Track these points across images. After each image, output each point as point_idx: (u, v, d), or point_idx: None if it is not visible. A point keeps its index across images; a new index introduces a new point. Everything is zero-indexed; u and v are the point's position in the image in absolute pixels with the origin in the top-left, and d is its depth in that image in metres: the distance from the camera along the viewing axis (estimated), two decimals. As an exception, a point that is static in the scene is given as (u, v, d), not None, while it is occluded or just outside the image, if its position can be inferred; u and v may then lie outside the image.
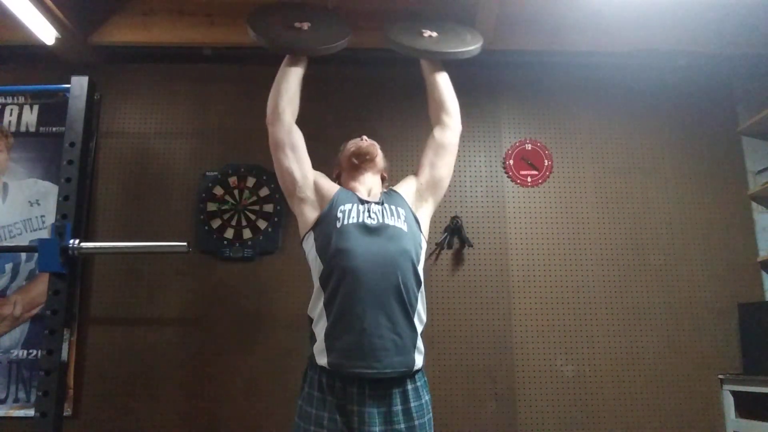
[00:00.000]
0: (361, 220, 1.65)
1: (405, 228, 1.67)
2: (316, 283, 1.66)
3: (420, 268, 1.68)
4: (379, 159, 1.90)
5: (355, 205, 1.70)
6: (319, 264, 1.65)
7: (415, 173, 1.91)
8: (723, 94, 3.28)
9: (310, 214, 1.74)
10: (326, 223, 1.67)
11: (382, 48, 3.08)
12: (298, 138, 1.81)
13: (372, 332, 1.53)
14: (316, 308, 1.63)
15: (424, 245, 1.75)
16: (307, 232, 1.74)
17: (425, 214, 1.84)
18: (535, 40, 3.04)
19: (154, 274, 2.94)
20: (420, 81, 3.25)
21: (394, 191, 1.85)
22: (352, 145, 1.89)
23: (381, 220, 1.66)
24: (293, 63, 1.91)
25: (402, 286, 1.58)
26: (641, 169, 3.16)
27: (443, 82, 2.02)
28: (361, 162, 1.84)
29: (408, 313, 1.59)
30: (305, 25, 2.04)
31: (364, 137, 1.92)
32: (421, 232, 1.77)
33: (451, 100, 1.98)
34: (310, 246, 1.71)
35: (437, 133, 1.93)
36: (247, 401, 2.80)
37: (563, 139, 3.19)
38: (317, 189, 1.77)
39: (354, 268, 1.57)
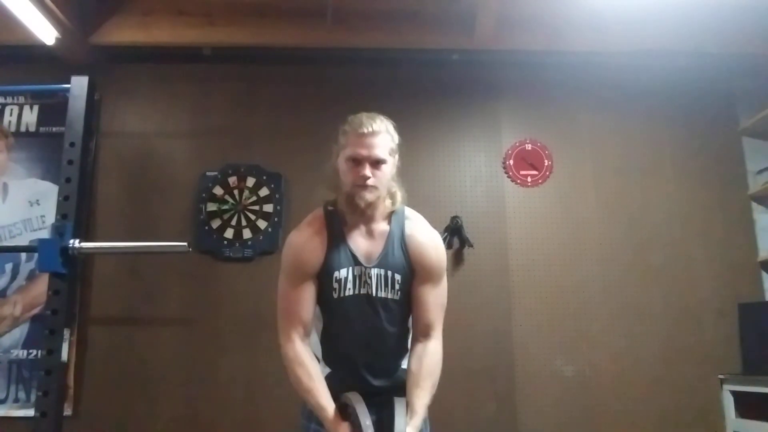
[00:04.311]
0: (355, 291, 1.55)
1: (397, 297, 1.57)
2: (318, 331, 1.64)
3: (409, 322, 1.65)
4: (384, 191, 1.58)
5: (350, 270, 1.55)
6: (319, 319, 1.62)
7: (426, 275, 1.59)
8: (723, 94, 3.27)
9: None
10: (324, 290, 1.57)
11: (382, 48, 3.10)
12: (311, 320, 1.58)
13: (369, 384, 1.56)
14: (317, 351, 1.63)
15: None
16: None
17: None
18: (535, 40, 3.04)
19: (154, 274, 2.93)
20: (420, 81, 3.29)
21: (404, 239, 1.58)
22: (352, 185, 1.52)
23: (374, 292, 1.55)
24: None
25: (392, 348, 1.61)
26: (641, 169, 3.16)
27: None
28: (360, 213, 1.56)
29: (400, 364, 1.63)
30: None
31: (367, 172, 1.51)
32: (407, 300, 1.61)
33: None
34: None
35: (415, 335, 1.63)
36: (247, 401, 2.80)
37: (563, 139, 3.19)
38: (313, 272, 1.56)
39: (347, 340, 1.58)
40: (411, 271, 1.57)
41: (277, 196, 3.04)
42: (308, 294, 1.54)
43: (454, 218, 3.00)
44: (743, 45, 3.03)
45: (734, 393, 2.83)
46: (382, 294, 1.55)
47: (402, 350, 1.64)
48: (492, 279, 3.00)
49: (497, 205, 3.09)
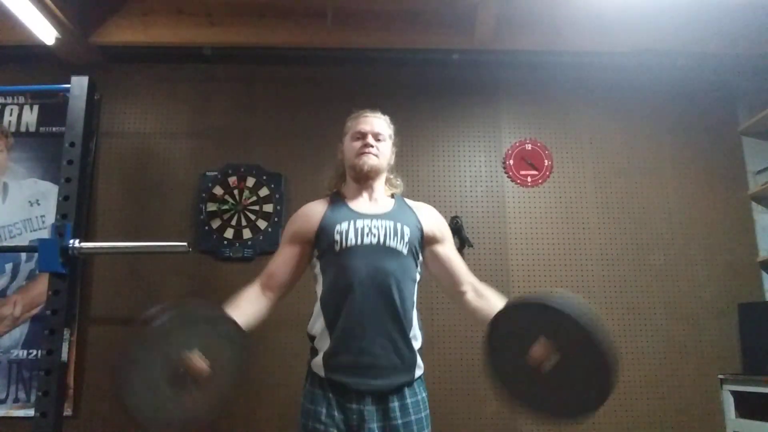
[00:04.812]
0: (359, 241, 1.62)
1: (405, 251, 1.64)
2: (318, 304, 1.67)
3: (414, 291, 1.68)
4: (385, 165, 1.77)
5: (351, 222, 1.64)
6: (321, 286, 1.68)
7: (437, 240, 1.76)
8: (723, 94, 3.27)
9: (312, 249, 1.73)
10: (326, 247, 1.66)
11: (382, 48, 3.10)
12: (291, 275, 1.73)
13: (371, 352, 1.56)
14: (317, 328, 1.65)
15: (419, 270, 1.72)
16: (313, 260, 1.73)
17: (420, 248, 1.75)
18: (535, 40, 3.05)
19: (154, 274, 2.93)
20: (420, 81, 3.28)
21: (411, 210, 1.75)
22: (357, 154, 1.72)
23: (382, 241, 1.62)
24: None
25: (399, 308, 1.60)
26: (641, 169, 3.16)
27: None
28: (364, 180, 1.74)
29: (406, 334, 1.62)
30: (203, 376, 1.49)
31: (370, 140, 1.73)
32: (418, 259, 1.71)
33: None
34: (317, 270, 1.72)
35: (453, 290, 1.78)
36: (247, 402, 2.80)
37: (563, 139, 3.19)
38: (309, 237, 1.70)
39: (353, 293, 1.58)
40: (421, 232, 1.70)
41: (277, 196, 3.04)
42: (289, 256, 1.71)
43: (454, 218, 3.00)
44: (744, 45, 3.03)
45: (734, 393, 2.83)
46: (391, 243, 1.63)
47: (406, 321, 1.61)
48: (492, 279, 2.98)
49: (497, 205, 3.09)
